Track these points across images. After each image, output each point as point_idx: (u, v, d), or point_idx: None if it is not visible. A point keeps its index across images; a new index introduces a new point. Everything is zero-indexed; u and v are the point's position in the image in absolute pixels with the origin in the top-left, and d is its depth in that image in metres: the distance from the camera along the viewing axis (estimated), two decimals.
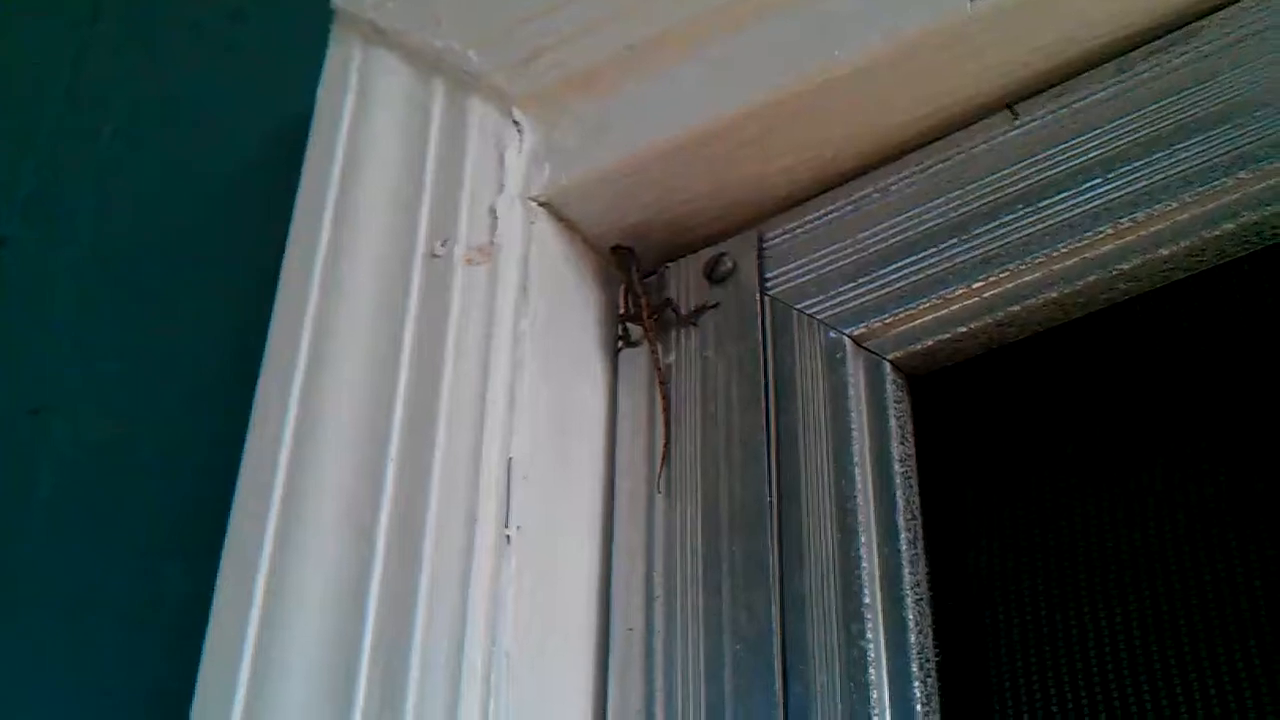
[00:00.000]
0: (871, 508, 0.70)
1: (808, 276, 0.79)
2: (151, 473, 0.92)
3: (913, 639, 0.66)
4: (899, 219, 0.77)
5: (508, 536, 0.70)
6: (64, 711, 0.86)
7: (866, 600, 0.67)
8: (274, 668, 0.69)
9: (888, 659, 0.65)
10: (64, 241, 1.10)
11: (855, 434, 0.72)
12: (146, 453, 0.92)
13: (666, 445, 0.82)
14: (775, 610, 0.69)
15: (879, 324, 0.75)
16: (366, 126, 0.87)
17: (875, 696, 0.64)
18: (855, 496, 0.70)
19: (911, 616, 0.67)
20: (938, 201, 0.75)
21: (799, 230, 0.81)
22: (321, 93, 0.90)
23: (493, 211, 0.82)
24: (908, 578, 0.68)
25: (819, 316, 0.77)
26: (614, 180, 0.82)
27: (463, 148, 0.84)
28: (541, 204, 0.83)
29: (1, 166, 1.20)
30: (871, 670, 0.65)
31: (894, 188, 0.78)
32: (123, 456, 0.93)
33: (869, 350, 0.76)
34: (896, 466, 0.71)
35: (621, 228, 0.85)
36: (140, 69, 1.13)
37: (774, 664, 0.67)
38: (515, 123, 0.85)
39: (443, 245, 0.81)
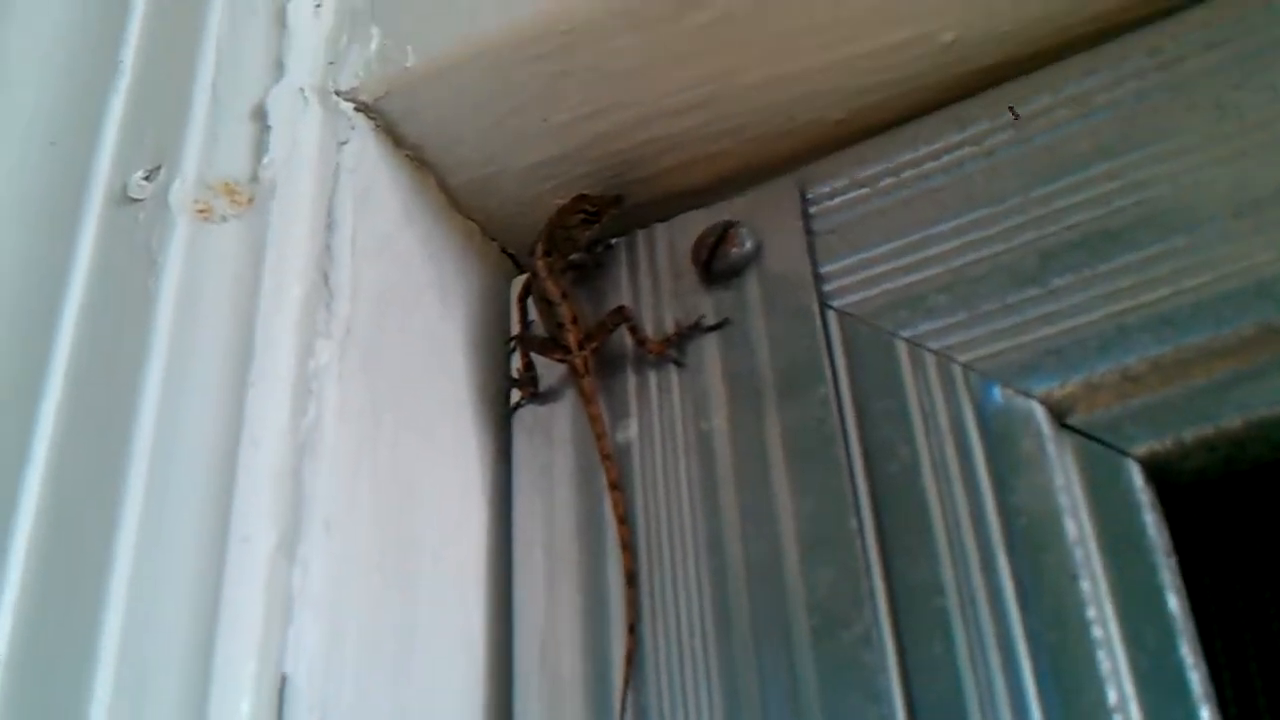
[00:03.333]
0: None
1: (918, 276, 0.36)
2: None
3: None
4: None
5: None
6: None
7: None
8: None
9: None
10: None
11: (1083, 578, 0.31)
12: None
13: (633, 632, 0.37)
14: None
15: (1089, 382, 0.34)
16: None
17: None
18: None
19: None
20: None
21: (884, 179, 0.38)
22: None
23: (259, 115, 0.37)
24: None
25: (959, 357, 0.34)
26: (497, 66, 0.38)
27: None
28: (361, 107, 0.38)
29: None
30: None
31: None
32: None
33: (1087, 435, 0.34)
34: (1180, 629, 0.30)
35: (518, 168, 0.41)
36: None
37: None
38: None
39: (146, 178, 0.36)
